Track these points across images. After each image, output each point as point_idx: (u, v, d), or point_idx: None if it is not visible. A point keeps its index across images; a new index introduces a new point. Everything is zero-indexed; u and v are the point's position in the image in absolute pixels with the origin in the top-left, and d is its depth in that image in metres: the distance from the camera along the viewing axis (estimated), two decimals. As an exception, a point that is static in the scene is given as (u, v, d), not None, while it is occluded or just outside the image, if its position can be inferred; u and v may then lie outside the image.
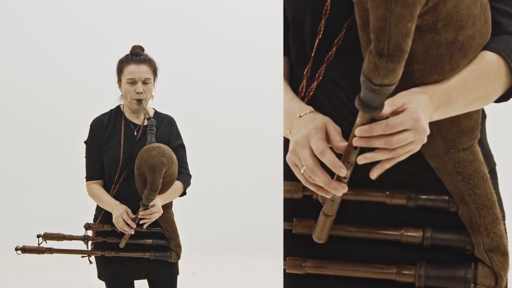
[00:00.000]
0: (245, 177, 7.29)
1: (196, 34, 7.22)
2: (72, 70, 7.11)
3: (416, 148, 1.11)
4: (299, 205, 1.24)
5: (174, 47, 7.02)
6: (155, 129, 2.59)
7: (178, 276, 2.80)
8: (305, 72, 1.28)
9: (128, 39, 7.06)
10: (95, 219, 2.76)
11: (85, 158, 2.78)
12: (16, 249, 2.70)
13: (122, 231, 2.62)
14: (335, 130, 1.16)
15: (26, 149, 7.12)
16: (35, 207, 7.05)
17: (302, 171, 1.16)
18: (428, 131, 1.10)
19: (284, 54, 1.38)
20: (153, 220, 2.62)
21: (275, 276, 5.56)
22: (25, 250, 2.72)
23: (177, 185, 2.70)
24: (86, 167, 2.77)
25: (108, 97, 7.56)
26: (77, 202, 7.03)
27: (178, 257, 2.73)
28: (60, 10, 7.11)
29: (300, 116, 1.21)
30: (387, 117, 1.10)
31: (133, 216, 2.60)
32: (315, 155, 1.13)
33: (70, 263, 6.28)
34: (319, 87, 1.27)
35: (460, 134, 1.22)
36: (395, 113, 1.10)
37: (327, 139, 1.16)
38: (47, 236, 2.74)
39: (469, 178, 1.22)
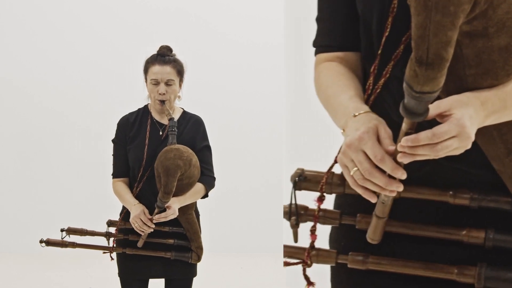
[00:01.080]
0: (245, 177, 7.29)
1: (196, 34, 7.22)
2: (72, 70, 7.12)
3: (457, 152, 1.11)
4: (361, 201, 1.23)
5: (174, 47, 7.03)
6: (177, 130, 2.60)
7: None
8: (372, 69, 1.28)
9: (128, 39, 7.10)
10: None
11: (112, 156, 2.80)
12: (41, 241, 2.72)
13: (138, 231, 2.63)
14: (385, 133, 1.16)
15: (26, 149, 7.12)
16: (35, 207, 7.05)
17: (352, 173, 1.16)
18: (473, 138, 1.10)
19: (347, 50, 1.37)
20: (167, 220, 2.63)
21: (275, 276, 5.57)
22: (49, 243, 2.73)
23: (198, 187, 2.69)
24: (112, 165, 2.79)
25: (108, 97, 7.56)
26: (77, 200, 7.04)
27: (199, 258, 2.72)
28: (60, 10, 7.12)
29: (355, 116, 1.21)
30: (433, 119, 1.10)
31: (150, 216, 2.61)
32: (370, 158, 1.14)
33: (70, 263, 6.29)
34: (385, 85, 1.27)
35: None
36: (440, 116, 1.10)
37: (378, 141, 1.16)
38: (70, 231, 2.76)
39: None
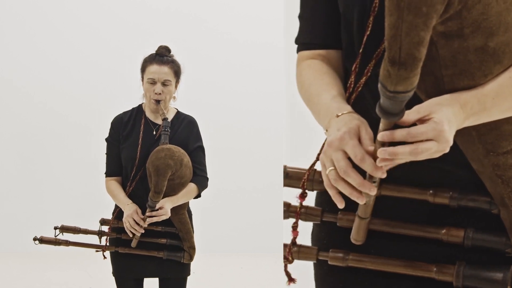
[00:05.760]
0: (245, 177, 7.30)
1: (196, 34, 7.23)
2: (72, 70, 7.12)
3: (436, 155, 1.11)
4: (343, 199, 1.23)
5: (174, 47, 7.02)
6: (170, 130, 2.62)
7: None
8: (353, 68, 1.28)
9: (129, 39, 7.10)
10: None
11: (105, 155, 2.81)
12: (34, 239, 2.73)
13: (131, 231, 2.63)
14: (366, 134, 1.16)
15: (26, 149, 7.12)
16: (34, 208, 7.05)
17: (327, 172, 1.16)
18: (451, 142, 1.10)
19: (329, 48, 1.37)
20: (159, 220, 2.64)
21: (275, 276, 5.57)
22: (42, 240, 2.75)
23: (191, 187, 2.70)
24: (105, 163, 2.81)
25: (108, 97, 7.55)
26: (77, 200, 7.04)
27: (191, 258, 2.74)
28: (60, 10, 7.12)
29: (337, 116, 1.21)
30: (414, 124, 1.10)
31: (143, 216, 2.61)
32: (348, 157, 1.14)
33: (70, 263, 6.29)
34: (366, 84, 1.27)
35: (500, 138, 1.20)
36: (421, 121, 1.10)
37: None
38: (63, 229, 2.77)
39: (509, 182, 1.21)
